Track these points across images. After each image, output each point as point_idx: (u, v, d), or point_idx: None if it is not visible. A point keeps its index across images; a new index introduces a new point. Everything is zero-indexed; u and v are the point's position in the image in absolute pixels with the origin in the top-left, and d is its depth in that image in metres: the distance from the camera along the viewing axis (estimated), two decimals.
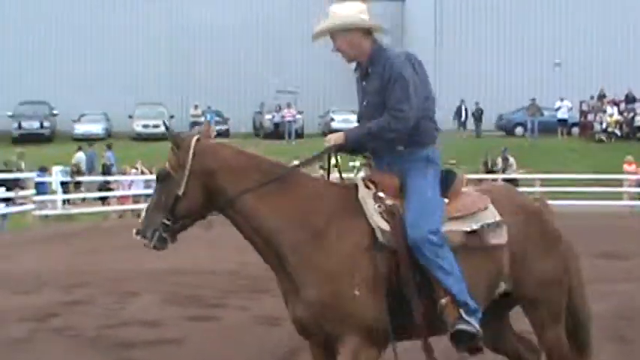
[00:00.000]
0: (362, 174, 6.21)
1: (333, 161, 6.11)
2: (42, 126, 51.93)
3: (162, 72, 57.14)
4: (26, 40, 56.79)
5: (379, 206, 5.79)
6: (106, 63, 56.84)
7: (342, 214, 5.80)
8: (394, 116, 5.77)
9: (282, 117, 51.24)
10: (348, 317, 5.60)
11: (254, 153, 5.94)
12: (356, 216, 5.77)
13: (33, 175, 27.05)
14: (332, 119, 52.81)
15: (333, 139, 5.97)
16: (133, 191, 30.08)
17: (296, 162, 7.22)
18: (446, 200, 5.96)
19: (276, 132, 51.41)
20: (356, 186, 5.92)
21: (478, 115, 50.82)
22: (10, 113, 51.69)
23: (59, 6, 57.49)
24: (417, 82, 5.85)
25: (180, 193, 5.66)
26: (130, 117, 51.93)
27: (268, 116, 53.07)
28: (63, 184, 28.67)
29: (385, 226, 5.72)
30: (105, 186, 30.13)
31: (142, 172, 30.55)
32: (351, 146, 6.01)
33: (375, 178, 5.95)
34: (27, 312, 10.65)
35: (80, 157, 33.85)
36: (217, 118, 52.66)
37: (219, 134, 50.26)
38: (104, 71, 56.53)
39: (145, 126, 51.38)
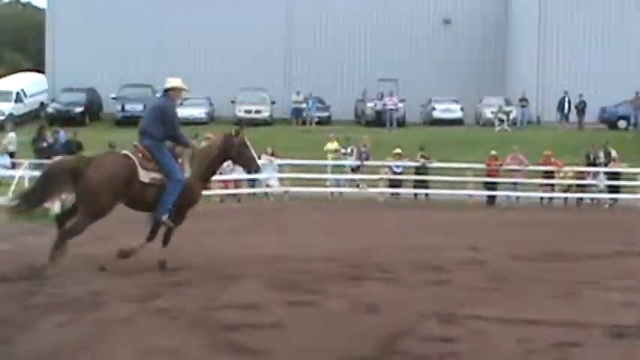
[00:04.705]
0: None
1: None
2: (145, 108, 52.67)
3: (265, 59, 57.48)
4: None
5: None
6: (211, 52, 57.55)
7: None
8: None
9: (384, 105, 50.63)
10: None
11: None
12: None
13: None
14: (434, 108, 52.73)
15: None
16: (234, 176, 30.36)
17: None
18: None
19: (378, 120, 50.83)
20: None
21: (581, 108, 49.72)
22: (114, 95, 52.69)
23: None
24: None
25: None
26: (233, 102, 52.36)
27: (370, 104, 52.64)
28: None
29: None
30: None
31: None
32: None
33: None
34: (130, 293, 10.91)
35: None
36: (319, 105, 52.84)
37: (320, 122, 50.68)
38: (209, 59, 57.20)
39: (247, 111, 51.79)
